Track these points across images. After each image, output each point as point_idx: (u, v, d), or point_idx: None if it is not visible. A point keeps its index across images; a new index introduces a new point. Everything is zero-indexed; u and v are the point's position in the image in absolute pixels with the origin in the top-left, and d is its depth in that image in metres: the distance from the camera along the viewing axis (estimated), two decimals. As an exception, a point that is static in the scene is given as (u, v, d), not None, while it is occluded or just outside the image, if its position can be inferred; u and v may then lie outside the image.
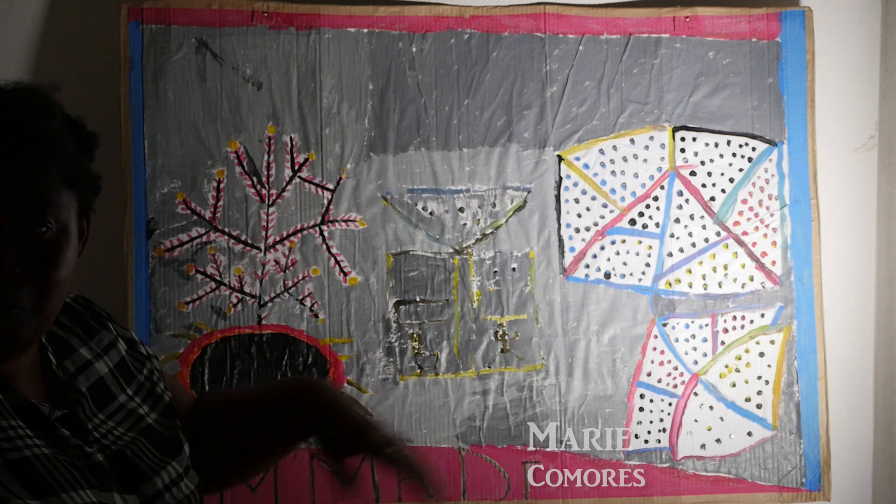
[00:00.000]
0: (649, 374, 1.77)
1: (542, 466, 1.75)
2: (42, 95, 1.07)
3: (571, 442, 1.75)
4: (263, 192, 1.71)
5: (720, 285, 1.78)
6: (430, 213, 1.74)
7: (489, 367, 1.74)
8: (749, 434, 1.78)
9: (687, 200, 1.78)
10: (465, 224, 1.75)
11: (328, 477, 1.70)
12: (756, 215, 1.78)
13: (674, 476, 1.77)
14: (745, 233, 1.78)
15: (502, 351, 1.75)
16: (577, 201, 1.76)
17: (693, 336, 1.78)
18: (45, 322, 1.05)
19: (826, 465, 1.78)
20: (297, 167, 1.71)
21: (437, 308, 1.72)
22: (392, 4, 1.74)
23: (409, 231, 1.73)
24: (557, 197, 1.76)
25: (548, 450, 1.75)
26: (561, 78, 1.76)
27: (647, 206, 1.77)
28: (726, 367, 1.78)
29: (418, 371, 1.73)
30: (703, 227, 1.78)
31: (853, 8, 1.85)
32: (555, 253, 1.76)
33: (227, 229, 1.70)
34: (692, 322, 1.78)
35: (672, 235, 1.77)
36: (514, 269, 1.75)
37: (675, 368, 1.78)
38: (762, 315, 1.78)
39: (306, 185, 1.72)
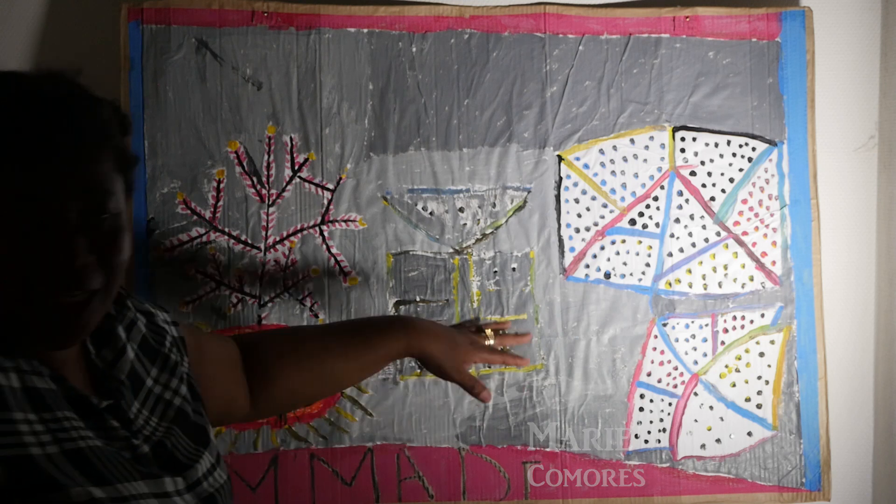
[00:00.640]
0: (649, 374, 1.77)
1: (542, 466, 1.75)
2: (75, 82, 1.08)
3: (571, 442, 1.75)
4: (263, 192, 1.71)
5: (720, 285, 1.78)
6: (430, 213, 1.74)
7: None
8: (749, 434, 1.78)
9: (687, 200, 1.78)
10: (465, 224, 1.75)
11: (328, 476, 1.70)
12: (756, 215, 1.78)
13: (674, 476, 1.77)
14: (745, 233, 1.78)
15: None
16: (577, 201, 1.77)
17: (693, 336, 1.78)
18: (109, 305, 1.09)
19: (826, 465, 1.78)
20: (297, 167, 1.71)
21: (437, 308, 1.72)
22: (392, 4, 1.74)
23: (409, 231, 1.73)
24: (557, 197, 1.76)
25: (548, 450, 1.75)
26: (561, 78, 1.76)
27: (647, 206, 1.77)
28: (726, 367, 1.78)
29: (418, 371, 1.73)
30: (703, 227, 1.78)
31: (853, 8, 1.85)
32: (555, 253, 1.76)
33: (227, 229, 1.70)
34: (692, 322, 1.78)
35: (672, 235, 1.77)
36: (514, 269, 1.75)
37: (675, 368, 1.78)
38: (762, 315, 1.78)
39: (306, 185, 1.72)
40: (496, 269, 1.75)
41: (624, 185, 1.77)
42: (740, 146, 1.78)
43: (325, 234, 1.72)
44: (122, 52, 1.67)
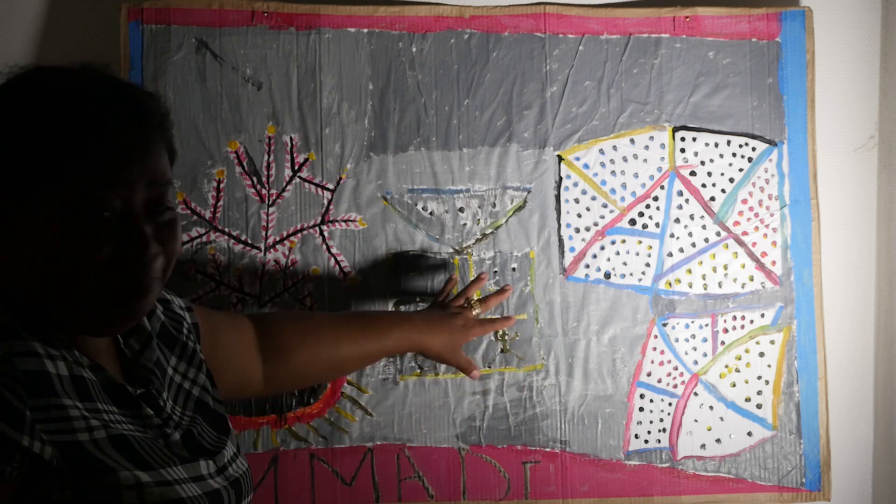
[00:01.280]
0: (649, 374, 1.77)
1: (542, 466, 1.75)
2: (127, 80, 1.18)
3: (571, 442, 1.75)
4: (263, 192, 1.71)
5: (720, 285, 1.78)
6: (430, 213, 1.74)
7: (489, 367, 1.74)
8: (749, 434, 1.78)
9: (687, 200, 1.78)
10: (465, 224, 1.75)
11: (328, 476, 1.70)
12: (756, 215, 1.78)
13: (674, 476, 1.77)
14: (745, 233, 1.78)
15: (502, 351, 1.75)
16: (577, 201, 1.76)
17: (693, 336, 1.78)
18: (161, 292, 1.16)
19: (826, 465, 1.78)
20: (297, 167, 1.71)
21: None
22: (392, 4, 1.74)
23: (409, 231, 1.73)
24: (557, 197, 1.76)
25: (548, 450, 1.75)
26: (561, 78, 1.76)
27: (647, 206, 1.77)
28: (726, 367, 1.78)
29: (418, 371, 1.73)
30: (703, 227, 1.78)
31: (853, 8, 1.85)
32: (555, 253, 1.76)
33: (227, 229, 1.70)
34: (692, 322, 1.78)
35: (672, 235, 1.77)
36: (514, 269, 1.75)
37: (675, 368, 1.78)
38: (762, 315, 1.78)
39: (306, 185, 1.72)
40: (496, 269, 1.75)
41: (624, 185, 1.77)
42: (740, 146, 1.78)
43: (325, 234, 1.72)
44: (122, 52, 1.67)
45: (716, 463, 1.78)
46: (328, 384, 1.70)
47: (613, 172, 1.77)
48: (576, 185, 1.76)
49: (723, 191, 1.78)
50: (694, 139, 1.78)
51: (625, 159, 1.77)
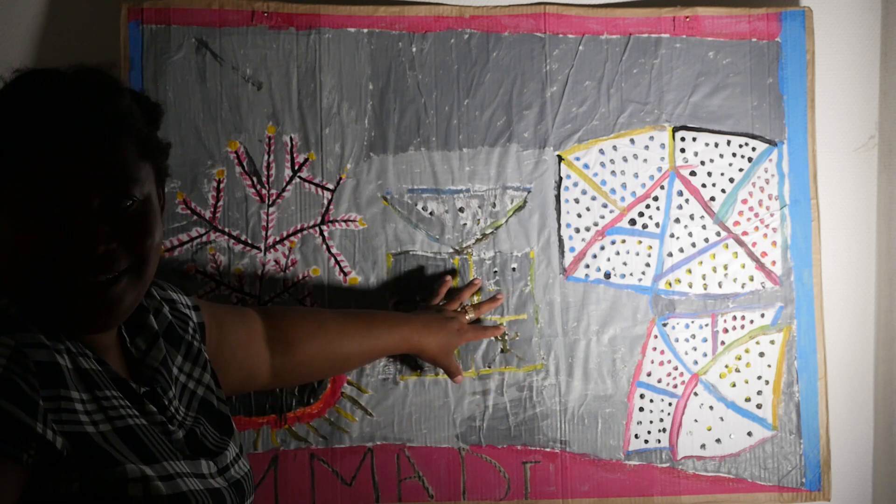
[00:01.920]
0: (649, 374, 1.77)
1: (542, 466, 1.74)
2: (104, 74, 1.14)
3: (571, 442, 1.75)
4: (263, 192, 1.71)
5: (720, 285, 1.78)
6: (430, 213, 1.74)
7: (489, 367, 1.74)
8: (749, 434, 1.78)
9: (687, 200, 1.78)
10: (465, 224, 1.75)
11: (328, 476, 1.70)
12: (756, 215, 1.78)
13: (674, 476, 1.77)
14: (745, 233, 1.78)
15: (502, 351, 1.75)
16: (577, 201, 1.76)
17: (693, 336, 1.78)
18: (143, 287, 1.14)
19: (826, 465, 1.78)
20: (297, 167, 1.71)
21: (437, 308, 1.72)
22: (392, 4, 1.74)
23: (409, 231, 1.73)
24: (557, 197, 1.76)
25: (548, 450, 1.75)
26: (561, 78, 1.76)
27: (647, 206, 1.77)
28: (726, 367, 1.78)
29: (418, 371, 1.73)
30: (703, 227, 1.78)
31: (853, 8, 1.85)
32: (555, 253, 1.76)
33: (227, 229, 1.70)
34: (692, 322, 1.78)
35: (672, 235, 1.77)
36: (514, 269, 1.75)
37: (675, 368, 1.78)
38: (762, 315, 1.78)
39: (306, 185, 1.72)
40: (496, 269, 1.75)
41: (624, 185, 1.77)
42: (740, 146, 1.78)
43: (325, 234, 1.72)
44: (122, 52, 1.67)
45: (716, 463, 1.78)
46: (328, 384, 1.70)
47: (613, 172, 1.77)
48: (576, 185, 1.76)
49: (723, 191, 1.78)
50: (694, 139, 1.78)
51: (625, 159, 1.77)
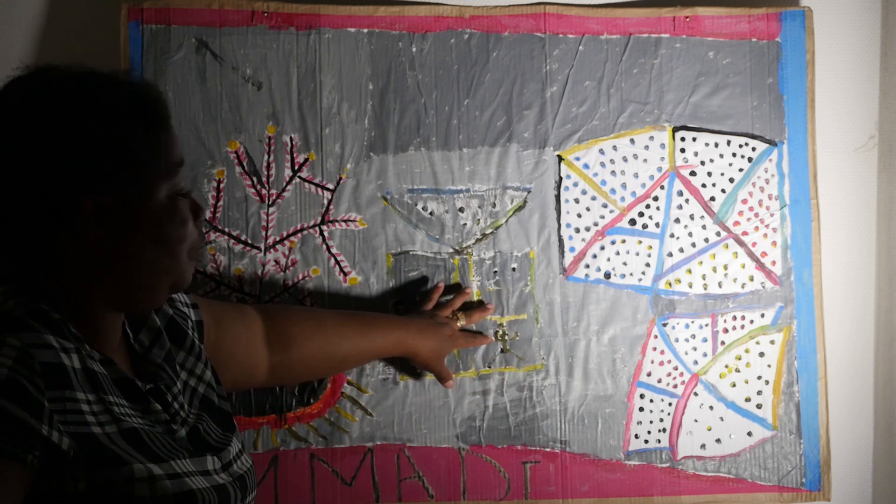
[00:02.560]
0: (649, 374, 1.77)
1: (542, 466, 1.74)
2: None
3: (571, 442, 1.75)
4: (263, 192, 1.71)
5: (720, 285, 1.78)
6: (430, 213, 1.74)
7: (489, 367, 1.74)
8: (749, 434, 1.78)
9: (687, 200, 1.78)
10: (465, 224, 1.75)
11: (328, 476, 1.70)
12: (756, 215, 1.78)
13: (674, 476, 1.77)
14: (745, 233, 1.78)
15: (502, 351, 1.75)
16: (577, 201, 1.76)
17: (693, 336, 1.78)
18: None
19: (826, 465, 1.78)
20: (297, 167, 1.71)
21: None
22: (392, 4, 1.74)
23: (409, 231, 1.73)
24: (557, 197, 1.76)
25: (548, 450, 1.75)
26: (561, 78, 1.76)
27: (647, 206, 1.77)
28: (726, 367, 1.78)
29: (418, 371, 1.73)
30: (703, 227, 1.78)
31: (853, 8, 1.85)
32: (555, 253, 1.76)
33: (227, 229, 1.70)
34: (692, 322, 1.78)
35: (672, 235, 1.77)
36: (514, 269, 1.75)
37: (675, 368, 1.78)
38: (762, 315, 1.78)
39: (306, 185, 1.72)
40: (496, 269, 1.75)
41: (624, 185, 1.77)
42: (740, 146, 1.78)
43: (325, 234, 1.72)
44: (122, 52, 1.67)
45: (716, 463, 1.78)
46: (328, 384, 1.70)
47: (613, 172, 1.77)
48: (576, 185, 1.76)
49: (723, 191, 1.78)
50: (694, 139, 1.78)
51: (625, 159, 1.77)
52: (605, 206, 1.77)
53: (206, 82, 1.70)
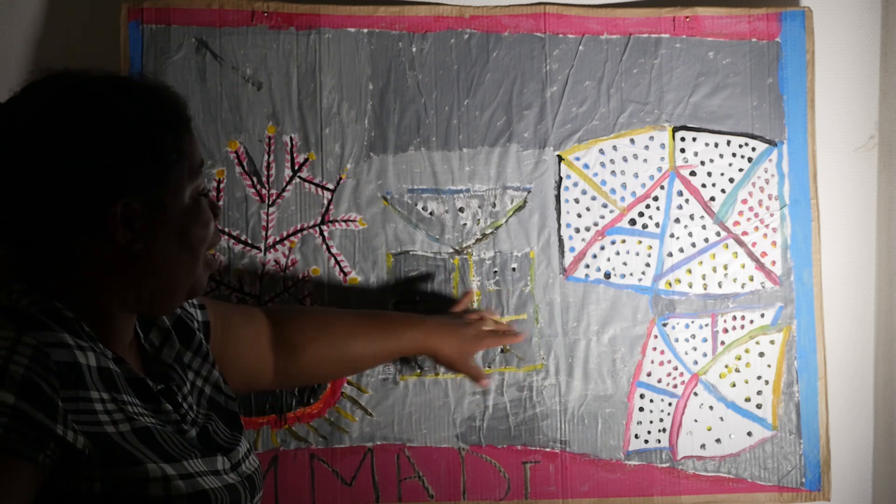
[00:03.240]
0: (649, 374, 1.77)
1: (542, 466, 1.75)
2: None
3: (571, 442, 1.75)
4: (263, 192, 1.71)
5: (720, 285, 1.78)
6: (430, 213, 1.74)
7: (489, 367, 1.74)
8: (749, 434, 1.78)
9: (687, 200, 1.78)
10: (465, 224, 1.75)
11: (328, 476, 1.70)
12: (756, 215, 1.78)
13: (674, 476, 1.77)
14: (745, 233, 1.78)
15: (502, 351, 1.75)
16: (577, 201, 1.77)
17: (693, 336, 1.78)
18: None
19: (826, 465, 1.78)
20: (297, 167, 1.71)
21: (437, 308, 1.72)
22: (392, 4, 1.74)
23: (409, 231, 1.73)
24: (557, 197, 1.76)
25: (548, 450, 1.75)
26: (561, 78, 1.76)
27: (647, 206, 1.77)
28: (726, 367, 1.78)
29: (418, 371, 1.73)
30: (703, 227, 1.78)
31: (853, 8, 1.85)
32: (555, 253, 1.76)
33: (227, 229, 1.70)
34: (692, 322, 1.78)
35: (672, 235, 1.77)
36: (514, 269, 1.75)
37: (675, 368, 1.78)
38: (762, 315, 1.78)
39: (306, 185, 1.72)
40: (496, 269, 1.75)
41: (624, 185, 1.77)
42: (740, 146, 1.78)
43: (325, 234, 1.72)
44: (122, 52, 1.67)
45: (716, 463, 1.78)
46: (328, 384, 1.70)
47: (613, 172, 1.77)
48: (576, 185, 1.76)
49: (723, 191, 1.78)
50: (694, 139, 1.78)
51: (625, 159, 1.77)
52: (605, 206, 1.77)
53: (206, 82, 1.70)
